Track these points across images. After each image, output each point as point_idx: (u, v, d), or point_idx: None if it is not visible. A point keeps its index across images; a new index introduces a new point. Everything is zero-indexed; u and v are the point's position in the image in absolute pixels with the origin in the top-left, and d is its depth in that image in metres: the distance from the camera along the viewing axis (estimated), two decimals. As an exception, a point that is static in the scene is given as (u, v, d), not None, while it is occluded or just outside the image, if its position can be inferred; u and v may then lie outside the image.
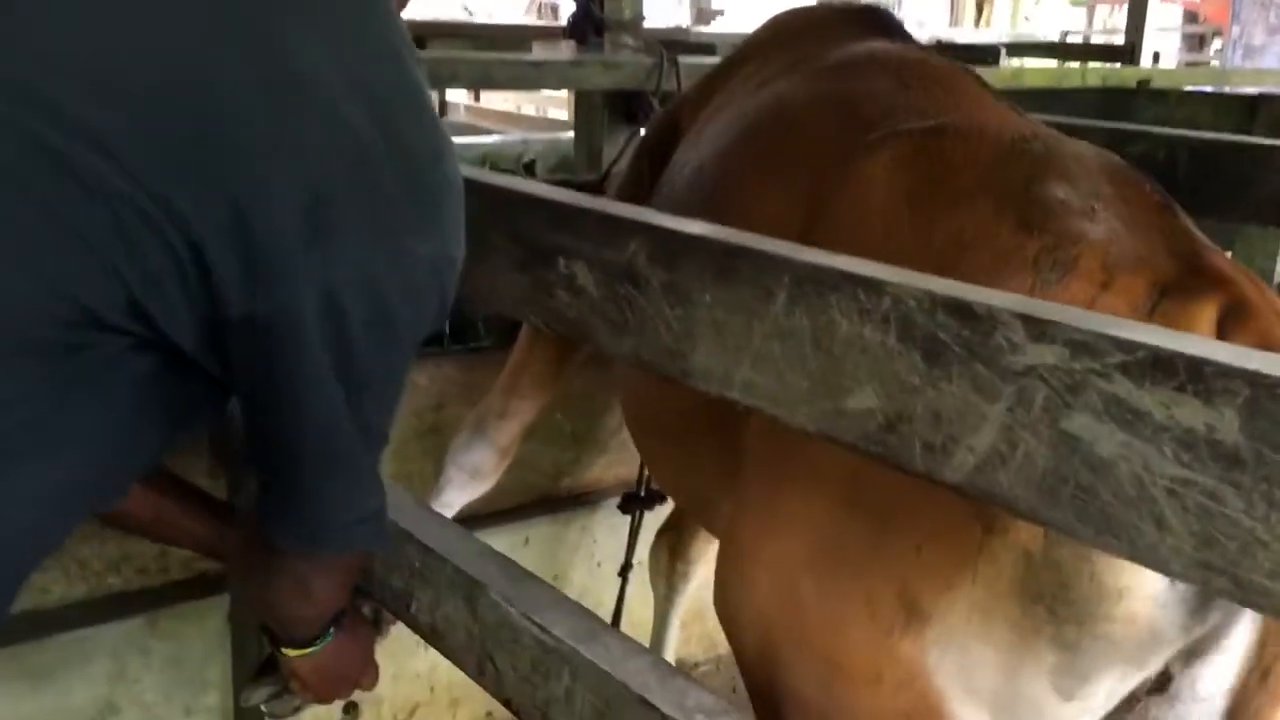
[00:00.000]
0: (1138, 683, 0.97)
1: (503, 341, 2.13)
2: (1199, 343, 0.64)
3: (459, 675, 1.35)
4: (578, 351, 1.76)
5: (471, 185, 1.16)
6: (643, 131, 2.43)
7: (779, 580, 1.06)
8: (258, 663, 1.49)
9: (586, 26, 2.59)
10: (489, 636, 1.24)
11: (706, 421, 1.28)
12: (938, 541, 0.94)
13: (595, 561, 2.33)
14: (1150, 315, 0.91)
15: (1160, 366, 0.64)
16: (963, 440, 0.75)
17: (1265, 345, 0.86)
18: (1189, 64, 11.40)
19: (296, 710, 1.50)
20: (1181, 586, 0.90)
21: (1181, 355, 0.63)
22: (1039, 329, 0.69)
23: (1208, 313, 0.89)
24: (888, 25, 1.59)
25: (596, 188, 2.25)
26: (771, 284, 0.86)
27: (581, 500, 2.32)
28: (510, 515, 2.23)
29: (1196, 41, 11.91)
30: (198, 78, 0.80)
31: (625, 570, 2.11)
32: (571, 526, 2.31)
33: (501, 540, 2.18)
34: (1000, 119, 1.20)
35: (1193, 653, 0.95)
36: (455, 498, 1.82)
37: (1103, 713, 0.99)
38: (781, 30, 1.69)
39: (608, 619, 2.12)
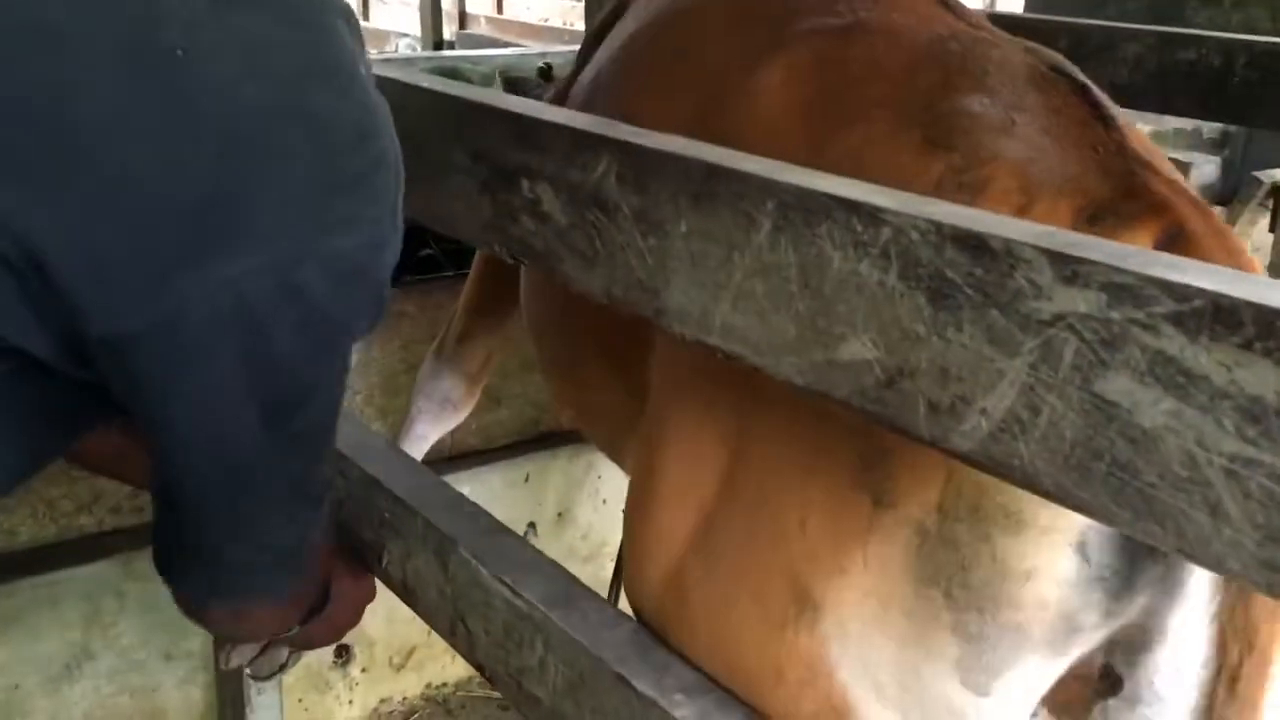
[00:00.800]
0: (1060, 673, 0.85)
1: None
2: (1272, 289, 0.51)
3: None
4: None
5: (427, 95, 1.04)
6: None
7: (667, 567, 0.95)
8: None
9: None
10: (461, 597, 1.14)
11: (608, 362, 1.17)
12: (823, 519, 0.83)
13: (600, 498, 2.23)
14: None
15: (1221, 318, 0.50)
16: (975, 401, 0.62)
17: None
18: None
19: (283, 668, 1.43)
20: (1096, 566, 0.78)
21: (1250, 304, 0.50)
22: (1069, 269, 0.56)
23: (1141, 241, 0.77)
24: None
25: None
26: (753, 210, 0.73)
27: (584, 435, 2.22)
28: (511, 451, 2.13)
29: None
30: (42, 59, 0.66)
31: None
32: (576, 462, 2.20)
33: (501, 477, 2.09)
34: (922, 17, 1.05)
35: (1132, 645, 0.83)
36: (428, 430, 1.71)
37: (1029, 707, 0.87)
38: None
39: (614, 556, 2.02)
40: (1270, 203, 2.67)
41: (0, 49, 0.65)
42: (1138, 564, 0.79)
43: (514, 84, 2.22)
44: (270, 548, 0.93)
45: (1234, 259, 0.77)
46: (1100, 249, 0.57)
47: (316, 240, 0.73)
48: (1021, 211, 0.79)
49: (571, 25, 6.68)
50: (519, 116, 0.95)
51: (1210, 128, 2.85)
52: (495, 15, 6.30)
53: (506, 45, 4.97)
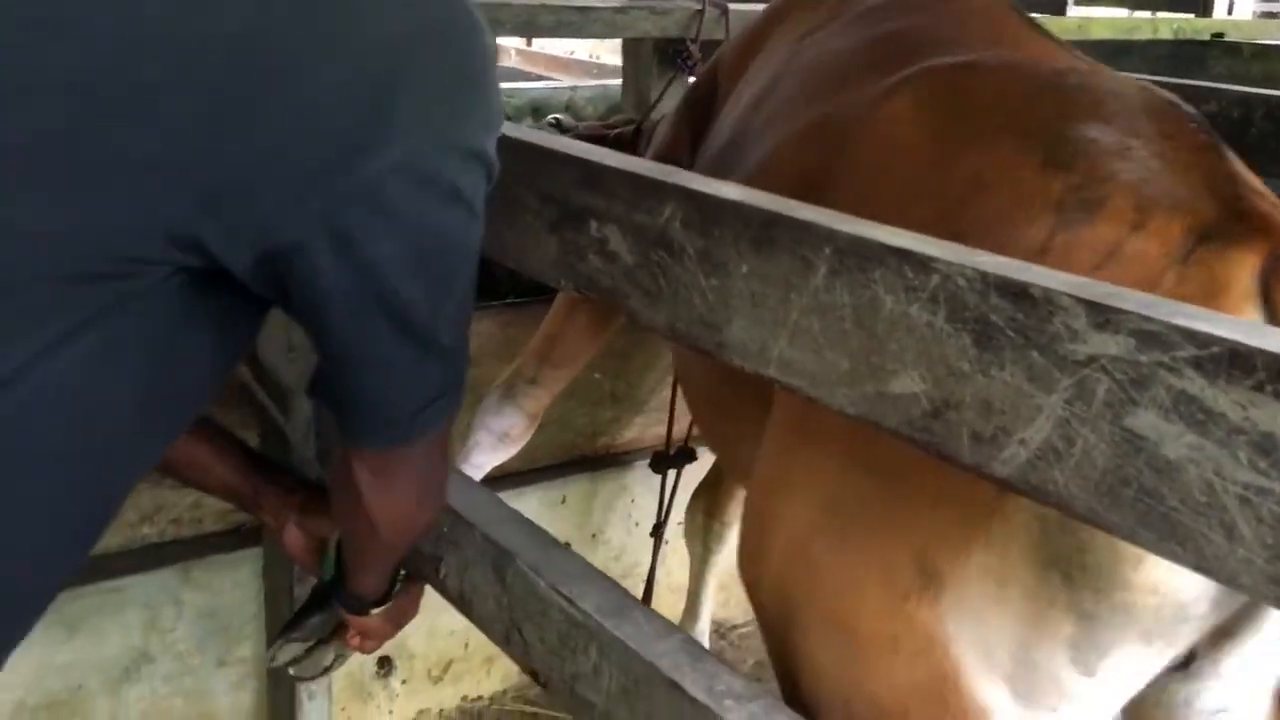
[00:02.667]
0: (1169, 660, 0.91)
1: (530, 293, 2.08)
2: (1282, 337, 0.58)
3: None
4: (613, 320, 1.71)
5: (502, 141, 1.12)
6: (685, 80, 2.36)
7: (793, 543, 1.01)
8: (284, 622, 1.48)
9: (636, -29, 2.50)
10: (517, 606, 1.21)
11: (750, 390, 1.23)
12: (951, 501, 0.89)
13: (633, 521, 2.30)
14: (1185, 261, 0.83)
15: (1238, 363, 0.58)
16: (1015, 432, 0.69)
17: None
18: (1264, 14, 11.01)
19: (326, 670, 1.49)
20: None
21: (1263, 352, 0.57)
22: (1103, 316, 0.63)
23: (1249, 261, 0.82)
24: None
25: (635, 131, 2.18)
26: (811, 255, 0.80)
27: (619, 459, 2.29)
28: (548, 473, 2.20)
29: (1273, -11, 11.48)
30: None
31: (658, 530, 2.07)
32: (609, 485, 2.27)
33: (538, 499, 2.17)
34: (1038, 54, 1.13)
35: (1223, 632, 0.89)
36: (483, 460, 1.79)
37: (1131, 692, 0.93)
38: None
39: (644, 579, 2.09)
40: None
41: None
42: None
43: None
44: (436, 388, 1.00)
45: None
46: (1131, 299, 0.64)
47: (453, 124, 0.85)
48: (1136, 228, 0.85)
49: (598, 58, 6.78)
50: (587, 162, 1.03)
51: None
52: (525, 48, 6.39)
53: (537, 79, 5.05)
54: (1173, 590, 0.84)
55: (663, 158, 1.68)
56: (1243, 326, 0.60)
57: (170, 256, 0.81)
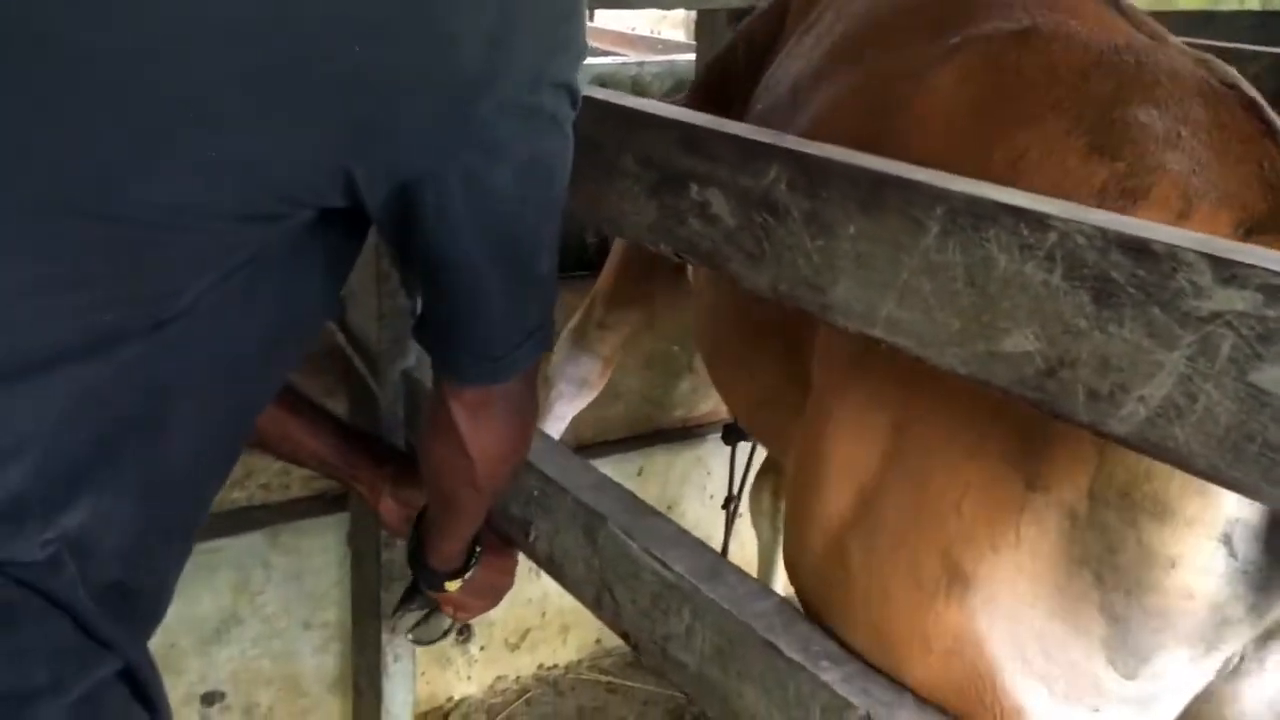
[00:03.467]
0: (1215, 669, 0.88)
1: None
2: None
3: (570, 601, 1.35)
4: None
5: (600, 106, 1.13)
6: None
7: (829, 540, 1.00)
8: (402, 591, 1.51)
9: (712, -57, 2.50)
10: (608, 569, 1.22)
11: (778, 351, 1.23)
12: (978, 499, 0.88)
13: (708, 494, 2.31)
14: None
15: (1374, 316, 0.57)
16: (1134, 390, 0.69)
17: None
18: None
19: (445, 634, 1.53)
20: (1244, 559, 0.81)
21: (1400, 305, 0.56)
22: (1228, 271, 0.63)
23: None
24: None
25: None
26: (922, 215, 0.80)
27: (696, 431, 2.30)
28: (625, 445, 2.22)
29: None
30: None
31: (729, 503, 2.07)
32: (685, 458, 2.29)
33: (615, 470, 2.17)
34: (1096, 24, 1.07)
35: (1272, 633, 0.87)
36: (566, 410, 1.81)
37: (1183, 700, 0.90)
38: None
39: (720, 550, 2.10)
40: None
41: None
42: None
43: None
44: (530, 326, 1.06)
45: None
46: (1257, 255, 0.64)
47: (551, 59, 0.93)
48: (1180, 219, 0.83)
49: (659, 33, 6.76)
50: (689, 125, 1.03)
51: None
52: (589, 24, 6.39)
53: (602, 54, 5.06)
54: (1208, 595, 0.82)
55: (711, 88, 1.66)
56: (1379, 279, 0.59)
57: (322, 197, 0.88)
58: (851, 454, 0.98)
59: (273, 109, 0.82)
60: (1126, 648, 0.86)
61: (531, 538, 1.36)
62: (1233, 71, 0.99)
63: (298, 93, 0.82)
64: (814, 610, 1.06)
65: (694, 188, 1.01)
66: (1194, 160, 0.87)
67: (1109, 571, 0.84)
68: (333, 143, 0.85)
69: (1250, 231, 0.82)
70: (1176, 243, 0.66)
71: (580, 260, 2.23)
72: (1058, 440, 0.84)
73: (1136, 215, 0.84)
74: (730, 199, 0.98)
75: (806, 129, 1.23)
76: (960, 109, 1.03)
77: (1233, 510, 0.79)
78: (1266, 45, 2.55)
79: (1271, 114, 0.93)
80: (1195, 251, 0.65)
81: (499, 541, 1.41)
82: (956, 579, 0.90)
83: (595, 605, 1.27)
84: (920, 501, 0.92)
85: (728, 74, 1.66)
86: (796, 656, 0.99)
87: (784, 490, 1.17)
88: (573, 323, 1.81)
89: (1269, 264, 0.62)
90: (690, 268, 1.58)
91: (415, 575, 1.40)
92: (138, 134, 0.81)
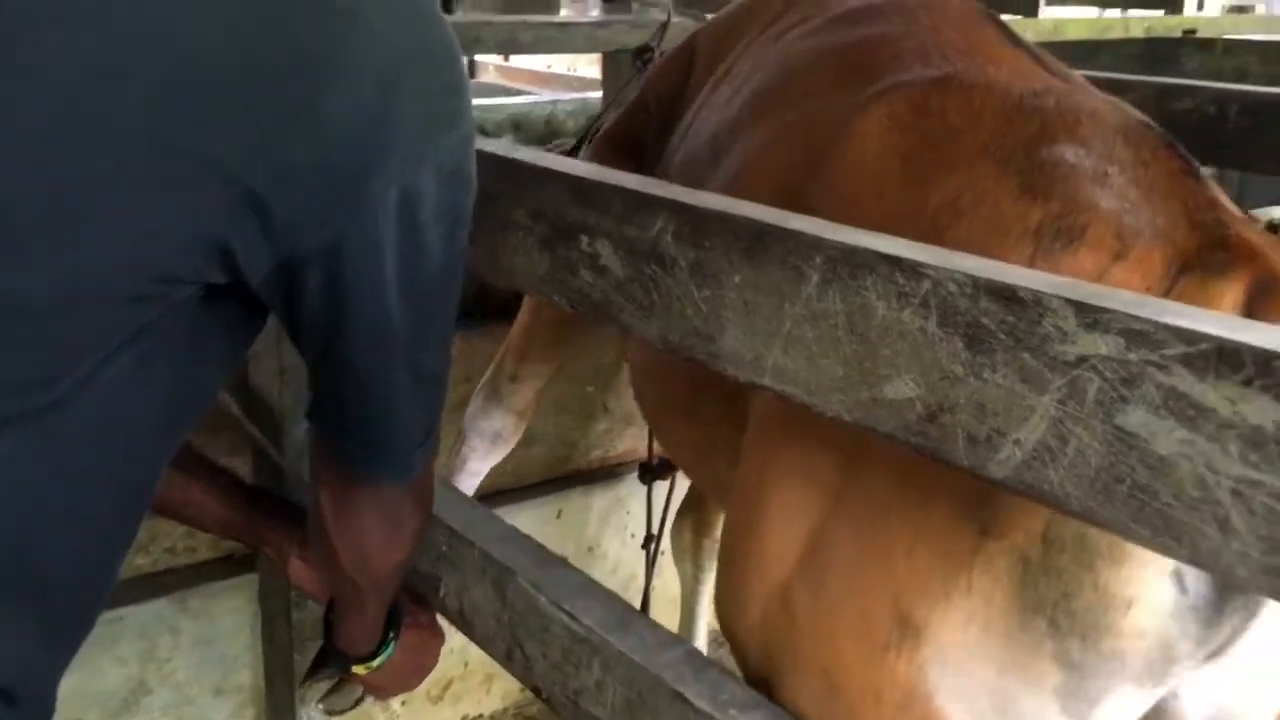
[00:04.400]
0: (1155, 700, 0.89)
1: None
2: (1269, 333, 0.59)
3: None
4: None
5: (492, 160, 1.12)
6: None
7: (771, 588, 0.99)
8: (311, 660, 1.47)
9: (613, -14, 2.53)
10: (518, 623, 1.21)
11: (720, 395, 1.21)
12: (929, 546, 0.88)
13: (629, 533, 2.30)
14: (1168, 292, 0.82)
15: (1226, 359, 0.59)
16: (1009, 433, 0.70)
17: None
18: (1233, 9, 11.12)
19: (357, 703, 1.49)
20: (1193, 594, 0.83)
21: (1250, 347, 0.58)
22: (1091, 316, 0.65)
23: (1232, 291, 0.80)
24: None
25: (573, 149, 2.17)
26: (802, 264, 0.81)
27: (614, 472, 2.29)
28: (543, 488, 2.21)
29: (1241, -16, 11.61)
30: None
31: (649, 542, 2.07)
32: (604, 498, 2.28)
33: (534, 514, 2.17)
34: (1013, 70, 1.10)
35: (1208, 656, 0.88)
36: (479, 465, 1.79)
37: None
38: None
39: (641, 591, 2.09)
40: (1268, 239, 2.75)
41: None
42: (1226, 591, 0.82)
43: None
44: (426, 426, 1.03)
45: None
46: (1119, 299, 0.65)
47: (439, 138, 0.89)
48: (1117, 259, 0.84)
49: (575, 71, 6.79)
50: (577, 178, 1.04)
51: (1209, 169, 2.94)
52: (503, 63, 6.41)
53: (516, 93, 5.07)
54: (1160, 633, 0.83)
55: (620, 140, 1.67)
56: (1229, 323, 0.61)
57: (201, 273, 0.85)
58: (795, 499, 0.97)
59: (144, 191, 0.80)
60: (1079, 694, 0.86)
61: (441, 593, 1.34)
62: (1144, 116, 1.01)
63: (168, 174, 0.80)
64: (754, 657, 1.04)
65: (584, 239, 1.02)
66: (1124, 199, 0.88)
67: (1064, 617, 0.83)
68: (208, 221, 0.83)
69: (1181, 270, 0.83)
70: (1042, 289, 0.67)
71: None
72: None
73: (1073, 255, 0.85)
74: (619, 250, 0.98)
75: (729, 182, 1.24)
76: (889, 157, 1.03)
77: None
78: (1153, 72, 2.64)
79: (1186, 153, 0.95)
80: (1059, 297, 0.66)
81: (424, 618, 1.38)
82: (908, 629, 0.88)
83: (507, 660, 1.25)
84: (869, 548, 0.91)
85: (636, 125, 1.67)
86: (705, 706, 0.99)
87: (721, 537, 1.16)
88: (485, 377, 1.79)
89: (1129, 308, 0.64)
90: None
91: (325, 648, 1.36)
92: None
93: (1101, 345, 0.64)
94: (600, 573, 2.28)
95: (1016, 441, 0.70)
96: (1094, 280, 0.82)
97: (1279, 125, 1.72)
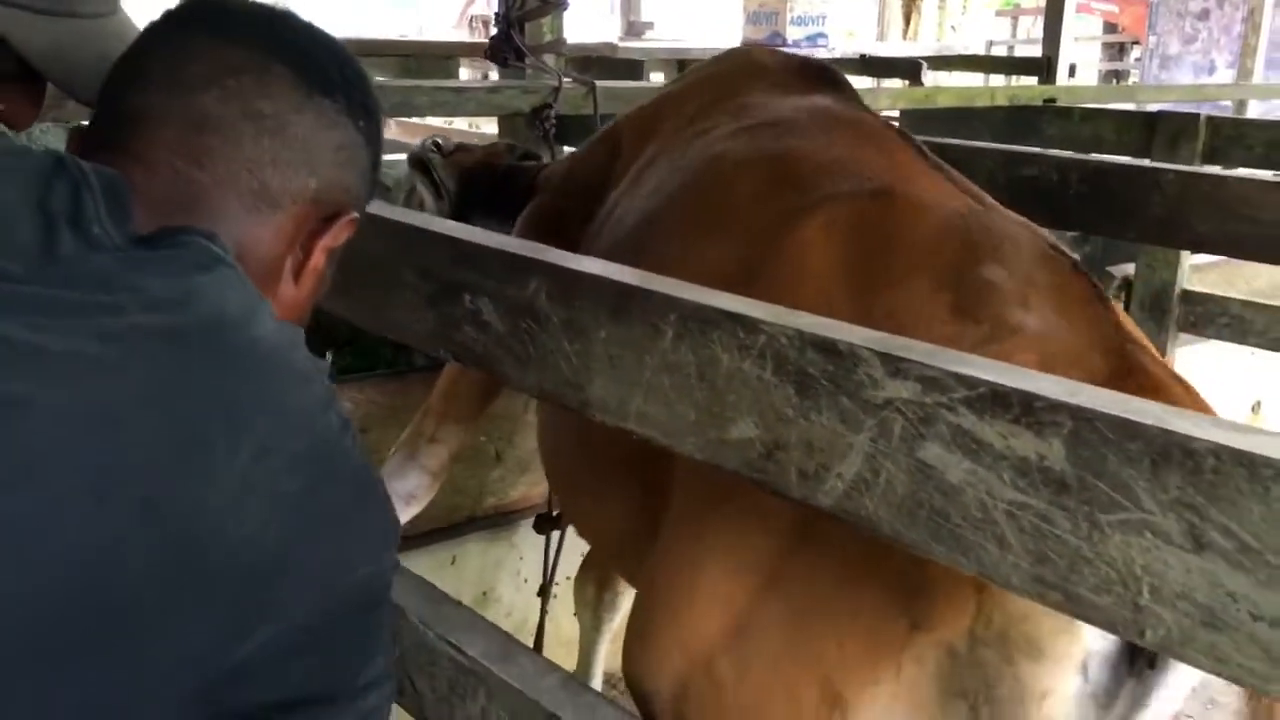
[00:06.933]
0: None
1: (419, 365, 2.15)
2: (1029, 378, 0.70)
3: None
4: None
5: (382, 223, 1.21)
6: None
7: (696, 659, 1.05)
8: None
9: (507, 50, 2.63)
10: (408, 659, 1.28)
11: (625, 461, 1.26)
12: (863, 633, 0.95)
13: (522, 578, 2.37)
14: None
15: (998, 401, 0.70)
16: (833, 467, 0.80)
17: None
18: (1109, 72, 11.70)
19: None
20: (1094, 684, 0.92)
21: (1016, 390, 0.69)
22: (894, 365, 0.75)
23: None
24: (833, 80, 1.59)
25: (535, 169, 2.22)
26: (659, 321, 0.91)
27: (507, 518, 2.36)
28: (437, 535, 2.26)
29: (1117, 50, 12.21)
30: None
31: (544, 590, 2.15)
32: (498, 544, 2.35)
33: (428, 560, 2.22)
34: (936, 188, 1.18)
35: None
36: None
37: None
38: (725, 74, 1.68)
39: (533, 632, 2.16)
40: (1122, 295, 2.96)
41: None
42: (1119, 678, 0.92)
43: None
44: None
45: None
46: (916, 350, 0.76)
47: (343, 581, 0.85)
48: None
49: (477, 127, 6.89)
50: (460, 241, 1.13)
51: (1054, 231, 3.14)
52: (405, 119, 6.48)
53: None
54: (1065, 717, 0.92)
55: (547, 224, 1.75)
56: (1000, 370, 0.72)
57: None
58: (726, 577, 1.03)
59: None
60: None
61: (335, 633, 1.40)
62: (1052, 237, 1.11)
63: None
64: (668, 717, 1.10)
65: (467, 297, 1.10)
66: (1044, 322, 0.97)
67: (985, 704, 0.92)
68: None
69: None
70: (855, 341, 0.78)
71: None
72: (939, 582, 0.92)
73: None
74: (499, 307, 1.07)
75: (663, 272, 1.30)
76: (832, 265, 1.10)
77: (1092, 643, 0.90)
78: (1018, 138, 2.82)
79: (1093, 279, 1.04)
80: (868, 349, 0.77)
81: None
82: (836, 707, 0.96)
83: (399, 695, 1.31)
84: (803, 632, 0.98)
85: (561, 203, 1.76)
86: (580, 727, 1.07)
87: (636, 601, 1.22)
88: (403, 437, 1.85)
89: (924, 359, 0.75)
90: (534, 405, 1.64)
91: None
92: None
93: (903, 390, 0.75)
94: (494, 616, 2.33)
95: (839, 475, 0.80)
96: None
97: (1116, 192, 1.88)
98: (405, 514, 1.86)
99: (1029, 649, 0.91)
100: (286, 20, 0.99)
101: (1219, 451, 0.61)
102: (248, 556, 0.78)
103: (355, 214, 1.00)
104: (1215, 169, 2.53)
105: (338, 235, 0.98)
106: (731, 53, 1.82)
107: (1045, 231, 1.13)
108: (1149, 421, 0.64)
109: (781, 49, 1.75)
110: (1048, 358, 0.95)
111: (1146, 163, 2.05)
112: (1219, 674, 0.62)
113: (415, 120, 6.76)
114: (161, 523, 0.75)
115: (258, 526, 0.78)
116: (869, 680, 0.95)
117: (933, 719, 0.94)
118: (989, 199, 1.23)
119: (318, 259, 0.98)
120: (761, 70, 1.64)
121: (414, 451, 1.82)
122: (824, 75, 1.60)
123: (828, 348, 0.79)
